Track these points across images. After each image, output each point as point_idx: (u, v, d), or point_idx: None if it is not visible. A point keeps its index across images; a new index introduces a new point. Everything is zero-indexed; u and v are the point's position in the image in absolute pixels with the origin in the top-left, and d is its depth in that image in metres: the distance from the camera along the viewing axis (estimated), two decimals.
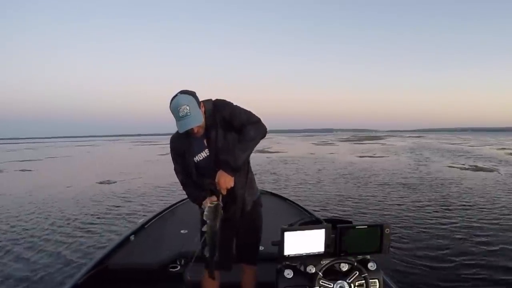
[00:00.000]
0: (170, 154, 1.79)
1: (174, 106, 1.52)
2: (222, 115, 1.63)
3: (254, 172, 1.89)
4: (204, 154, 1.69)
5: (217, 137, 1.64)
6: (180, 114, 1.51)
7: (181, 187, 1.83)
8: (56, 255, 4.22)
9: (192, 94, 1.57)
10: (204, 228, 1.59)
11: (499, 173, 11.15)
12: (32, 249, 4.48)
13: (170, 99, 1.56)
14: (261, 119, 1.66)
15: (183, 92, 1.56)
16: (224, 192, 1.60)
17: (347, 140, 53.56)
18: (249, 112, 1.65)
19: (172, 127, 1.86)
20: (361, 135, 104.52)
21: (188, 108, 1.51)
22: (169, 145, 1.79)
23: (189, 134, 1.59)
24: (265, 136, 1.65)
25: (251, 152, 1.63)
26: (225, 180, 1.58)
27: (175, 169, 1.79)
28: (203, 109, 1.60)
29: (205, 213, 1.57)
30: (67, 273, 3.58)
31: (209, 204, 1.57)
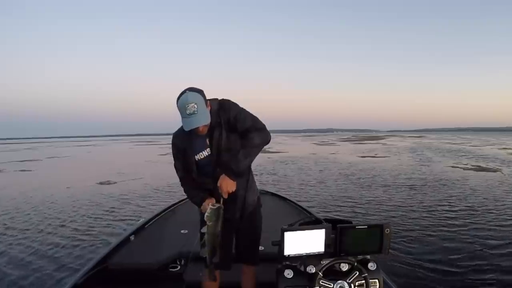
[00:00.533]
0: (171, 153, 1.79)
1: (182, 103, 1.50)
2: (227, 116, 1.62)
3: (255, 173, 1.90)
4: (206, 153, 1.69)
5: (221, 137, 1.64)
6: (187, 112, 1.50)
7: (181, 187, 1.83)
8: (50, 257, 4.15)
9: (200, 92, 1.56)
10: (204, 230, 1.60)
11: (503, 173, 11.07)
12: (26, 251, 4.41)
13: (178, 95, 1.54)
14: (263, 122, 1.67)
15: (191, 89, 1.54)
16: (225, 196, 1.61)
17: (348, 140, 53.52)
18: (255, 118, 1.65)
19: (171, 127, 1.86)
20: (362, 135, 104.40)
21: (196, 106, 1.50)
22: (169, 145, 1.79)
23: (192, 132, 1.58)
24: (268, 143, 1.67)
25: (254, 158, 1.64)
26: (227, 184, 1.59)
27: (175, 166, 1.78)
28: (209, 108, 1.59)
29: (206, 214, 1.57)
30: (63, 275, 3.55)
31: (210, 206, 1.57)
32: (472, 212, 5.88)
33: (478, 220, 5.35)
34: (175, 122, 1.69)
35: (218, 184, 1.60)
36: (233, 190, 1.62)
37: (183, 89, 1.55)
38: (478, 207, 6.28)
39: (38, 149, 44.84)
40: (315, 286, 1.44)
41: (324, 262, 1.50)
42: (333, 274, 1.50)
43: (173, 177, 1.87)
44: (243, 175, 1.72)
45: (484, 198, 7.07)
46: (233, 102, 1.66)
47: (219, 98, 1.68)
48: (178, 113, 1.56)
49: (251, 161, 1.65)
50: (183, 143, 1.70)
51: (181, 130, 1.66)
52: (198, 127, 1.54)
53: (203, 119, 1.53)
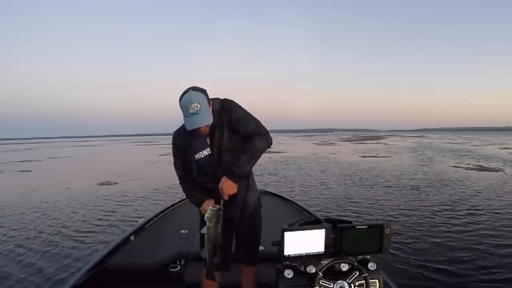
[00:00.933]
0: (170, 153, 1.78)
1: (185, 102, 1.50)
2: (230, 116, 1.62)
3: (255, 173, 1.90)
4: (206, 152, 1.68)
5: (222, 137, 1.64)
6: (190, 111, 1.49)
7: (181, 187, 1.83)
8: (48, 258, 4.13)
9: (203, 91, 1.55)
10: (203, 231, 1.60)
11: (505, 173, 11.03)
12: (23, 252, 4.39)
13: (180, 94, 1.54)
14: (260, 120, 1.69)
15: (194, 88, 1.53)
16: (226, 198, 1.61)
17: (348, 140, 53.47)
18: (259, 122, 1.66)
19: (172, 127, 1.85)
20: (362, 135, 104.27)
21: (199, 106, 1.49)
22: (169, 146, 1.79)
23: (193, 131, 1.57)
24: (269, 147, 1.69)
25: (256, 162, 1.66)
26: (229, 187, 1.59)
27: (174, 164, 1.78)
28: (211, 107, 1.58)
29: (206, 216, 1.57)
30: (61, 276, 3.54)
31: (211, 207, 1.56)
32: (476, 214, 5.77)
33: (482, 222, 5.23)
34: (175, 122, 1.68)
35: (220, 186, 1.60)
36: (234, 192, 1.63)
37: (185, 89, 1.55)
38: (482, 208, 6.17)
39: (38, 149, 44.88)
40: (315, 286, 1.44)
41: (324, 262, 1.49)
42: (333, 274, 1.49)
43: (173, 177, 1.87)
44: (245, 178, 1.73)
45: (488, 199, 6.98)
46: (235, 103, 1.66)
47: (221, 97, 1.68)
48: (179, 112, 1.56)
49: (254, 165, 1.67)
50: (184, 142, 1.70)
51: (181, 129, 1.66)
52: (200, 127, 1.54)
53: (205, 119, 1.52)
